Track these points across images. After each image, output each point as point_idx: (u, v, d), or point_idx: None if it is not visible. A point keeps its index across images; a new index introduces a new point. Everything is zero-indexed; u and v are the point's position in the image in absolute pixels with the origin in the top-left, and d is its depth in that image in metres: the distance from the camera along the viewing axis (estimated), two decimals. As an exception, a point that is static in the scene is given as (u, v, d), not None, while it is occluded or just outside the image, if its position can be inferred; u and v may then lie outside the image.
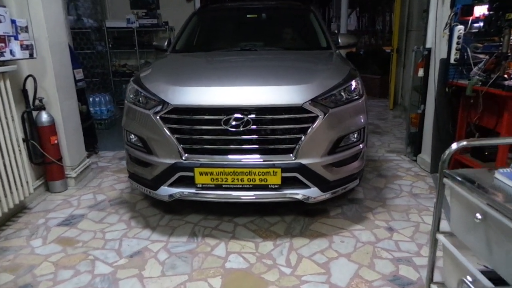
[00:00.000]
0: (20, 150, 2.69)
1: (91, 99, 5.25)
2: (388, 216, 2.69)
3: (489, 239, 1.04)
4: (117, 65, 6.50)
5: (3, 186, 2.49)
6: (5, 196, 2.52)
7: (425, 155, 3.64)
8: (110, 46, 6.30)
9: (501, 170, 1.15)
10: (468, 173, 1.18)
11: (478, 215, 1.06)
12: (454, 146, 1.19)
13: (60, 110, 3.17)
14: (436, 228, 1.30)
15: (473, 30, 3.04)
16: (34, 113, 3.00)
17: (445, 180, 1.22)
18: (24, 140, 2.87)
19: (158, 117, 2.32)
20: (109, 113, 5.39)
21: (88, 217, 2.76)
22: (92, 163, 3.83)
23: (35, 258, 2.24)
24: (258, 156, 2.31)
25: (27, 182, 2.76)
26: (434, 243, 1.34)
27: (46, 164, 3.09)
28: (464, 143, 1.21)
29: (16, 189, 2.64)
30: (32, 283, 2.01)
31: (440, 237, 1.29)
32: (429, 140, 3.53)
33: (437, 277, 1.77)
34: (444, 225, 1.41)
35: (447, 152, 1.19)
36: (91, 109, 5.17)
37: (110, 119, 5.43)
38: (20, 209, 2.84)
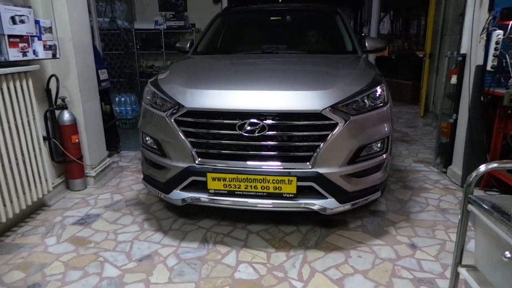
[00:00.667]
0: (40, 148, 2.73)
1: (116, 99, 5.34)
2: (411, 232, 2.52)
3: None
4: (144, 66, 6.60)
5: (22, 183, 2.53)
6: (24, 193, 2.55)
7: (456, 167, 3.42)
8: (138, 47, 6.40)
9: None
10: (497, 200, 1.02)
11: (508, 253, 0.90)
12: (482, 168, 1.05)
13: (82, 109, 3.21)
14: (458, 260, 1.14)
15: (513, 35, 2.82)
16: (57, 112, 3.05)
17: (470, 206, 1.07)
18: (45, 139, 2.92)
19: (172, 120, 2.28)
20: (134, 113, 5.46)
21: (103, 217, 2.77)
22: (113, 163, 3.87)
23: (47, 257, 2.25)
24: (273, 163, 2.22)
25: (46, 180, 2.80)
26: (455, 276, 1.18)
27: (67, 162, 3.14)
28: (495, 165, 1.06)
29: (35, 186, 2.68)
30: (41, 282, 2.01)
31: (462, 271, 1.14)
32: (460, 152, 3.31)
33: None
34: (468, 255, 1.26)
35: (473, 174, 1.04)
36: (116, 108, 5.27)
37: (135, 119, 5.49)
38: (39, 206, 2.89)
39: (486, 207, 0.98)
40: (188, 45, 3.52)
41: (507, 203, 0.99)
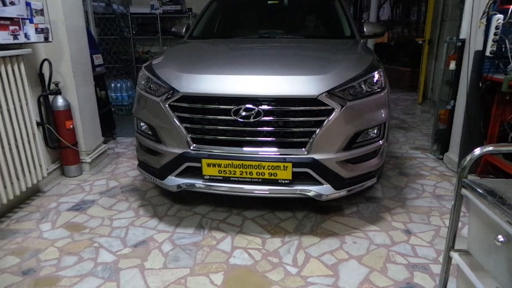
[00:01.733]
0: (34, 134, 2.71)
1: (112, 84, 5.28)
2: (406, 218, 2.53)
3: None
4: (140, 52, 6.51)
5: (15, 169, 2.51)
6: (18, 179, 2.54)
7: (452, 154, 3.41)
8: (134, 32, 6.30)
9: None
10: (491, 183, 1.00)
11: (500, 237, 0.89)
12: (477, 151, 1.03)
13: (76, 94, 3.17)
14: (450, 244, 1.13)
15: (514, 20, 2.78)
16: (50, 97, 3.01)
17: (463, 190, 1.05)
18: (39, 124, 2.89)
19: (167, 105, 2.25)
20: (130, 99, 5.41)
21: (98, 203, 2.76)
22: (108, 149, 3.85)
23: (42, 243, 2.24)
24: (268, 149, 2.20)
25: (40, 166, 2.78)
26: (447, 261, 1.18)
27: (61, 148, 3.11)
28: (491, 148, 1.04)
29: (30, 172, 2.66)
30: (35, 268, 2.01)
31: (455, 255, 1.13)
32: (457, 138, 3.30)
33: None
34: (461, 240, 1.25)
35: (468, 157, 1.02)
36: (112, 94, 5.22)
37: (131, 105, 5.44)
38: (34, 192, 2.88)
39: (480, 191, 0.97)
40: (184, 29, 3.46)
41: (501, 187, 0.98)
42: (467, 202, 1.06)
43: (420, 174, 3.27)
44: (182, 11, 6.16)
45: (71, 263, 2.05)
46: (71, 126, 3.11)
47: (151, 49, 6.58)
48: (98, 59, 3.91)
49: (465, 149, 3.18)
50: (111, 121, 4.27)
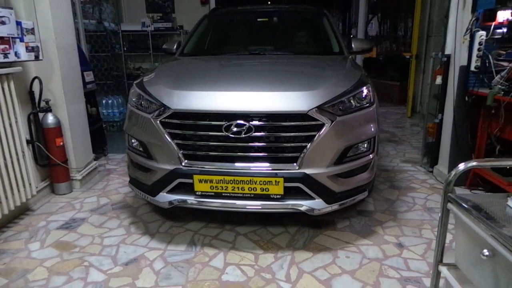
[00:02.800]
0: (23, 152, 2.68)
1: (103, 101, 5.28)
2: (398, 231, 2.54)
3: (498, 279, 0.90)
4: (131, 68, 6.53)
5: (4, 187, 2.48)
6: (6, 198, 2.50)
7: (442, 167, 3.45)
8: (125, 49, 6.34)
9: None
10: (477, 198, 1.02)
11: (486, 251, 0.91)
12: (461, 166, 1.05)
13: (66, 112, 3.16)
14: (439, 258, 1.15)
15: (496, 36, 2.88)
16: (41, 115, 3.00)
17: (449, 205, 1.07)
18: (29, 142, 2.86)
19: (158, 122, 2.26)
20: (121, 115, 5.40)
21: (89, 221, 2.72)
22: (99, 165, 3.82)
23: (30, 262, 2.20)
24: (260, 164, 2.21)
25: (30, 184, 2.74)
26: (436, 275, 1.19)
27: (51, 166, 3.08)
28: (474, 163, 1.06)
29: (19, 190, 2.63)
30: (23, 288, 1.97)
31: (443, 269, 1.14)
32: (446, 151, 3.35)
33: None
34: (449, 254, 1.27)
35: (453, 172, 1.05)
36: (103, 111, 5.21)
37: (122, 121, 5.43)
38: (23, 211, 2.83)
39: (465, 205, 0.99)
40: (175, 46, 3.50)
41: (486, 201, 1.00)
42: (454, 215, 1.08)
43: (411, 187, 3.30)
44: (173, 28, 6.23)
45: (60, 283, 2.01)
46: (61, 144, 3.09)
47: (142, 66, 6.61)
48: (89, 76, 3.92)
49: (454, 162, 3.23)
50: (102, 137, 4.24)
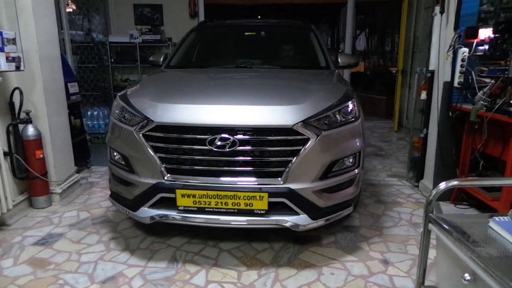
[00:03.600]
0: (0, 164, 2.59)
1: (89, 112, 5.19)
2: (384, 247, 2.51)
3: None
4: (118, 80, 6.47)
5: (-22, 201, 2.38)
6: (-20, 212, 2.40)
7: (427, 181, 3.46)
8: (113, 60, 6.29)
9: (496, 218, 0.97)
10: (457, 219, 1.00)
11: (467, 276, 0.88)
12: (442, 185, 1.03)
13: (48, 124, 3.08)
14: (420, 280, 1.12)
15: (478, 53, 2.92)
16: (21, 126, 2.92)
17: (430, 225, 1.05)
18: (6, 154, 2.78)
19: (141, 135, 2.21)
20: (107, 127, 5.30)
21: (66, 236, 2.63)
22: (82, 178, 3.73)
23: (2, 281, 2.10)
24: (244, 179, 2.17)
25: (6, 198, 2.65)
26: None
27: (30, 179, 2.99)
28: (455, 182, 1.05)
29: (-6, 204, 2.53)
30: (-7, 309, 1.87)
31: None
32: (431, 166, 3.36)
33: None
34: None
35: (433, 192, 1.03)
36: (88, 122, 5.12)
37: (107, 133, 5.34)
38: (-2, 226, 2.73)
39: (446, 226, 0.96)
40: (161, 58, 3.47)
41: (468, 222, 0.97)
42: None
43: (397, 202, 3.29)
44: (161, 41, 6.22)
45: (33, 303, 1.92)
46: (41, 156, 3.00)
47: (129, 77, 6.56)
48: (74, 87, 3.86)
49: (439, 177, 3.24)
50: (85, 150, 4.16)
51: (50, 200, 3.14)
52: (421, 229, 2.69)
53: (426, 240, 1.09)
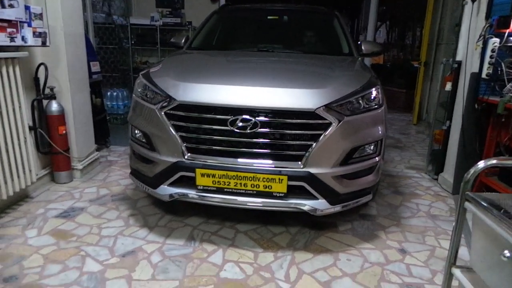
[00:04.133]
0: (25, 138, 2.65)
1: (108, 93, 5.26)
2: (401, 237, 2.49)
3: None
4: (138, 62, 6.51)
5: (4, 172, 2.45)
6: (5, 183, 2.47)
7: (447, 175, 3.40)
8: (133, 42, 6.32)
9: None
10: (495, 197, 0.98)
11: (507, 252, 0.86)
12: (481, 164, 1.01)
13: (71, 100, 3.13)
14: (452, 260, 1.10)
15: (509, 44, 2.82)
16: (45, 102, 2.97)
17: (467, 204, 1.03)
18: (31, 128, 2.84)
19: (163, 113, 2.23)
20: (126, 108, 5.37)
21: (87, 210, 2.69)
22: (101, 157, 3.79)
23: (27, 249, 2.16)
24: (264, 161, 2.17)
25: (30, 171, 2.72)
26: (448, 278, 1.14)
27: (53, 154, 3.05)
28: (494, 161, 1.02)
29: (18, 177, 2.60)
30: (18, 275, 1.93)
31: (457, 272, 1.09)
32: (453, 159, 3.30)
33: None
34: (463, 255, 1.21)
35: (471, 170, 1.00)
36: (108, 103, 5.19)
37: (126, 114, 5.38)
38: (21, 198, 2.80)
39: (485, 204, 0.94)
40: (183, 40, 3.46)
41: (503, 201, 0.95)
42: (466, 220, 1.03)
43: (415, 194, 3.25)
44: (182, 24, 6.21)
45: (56, 272, 1.97)
46: (64, 132, 3.06)
47: (149, 60, 6.59)
48: (95, 67, 3.90)
49: (460, 170, 3.17)
50: (105, 129, 4.22)
51: (72, 176, 3.21)
52: (443, 219, 2.67)
53: (461, 219, 1.07)
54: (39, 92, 2.92)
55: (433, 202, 3.07)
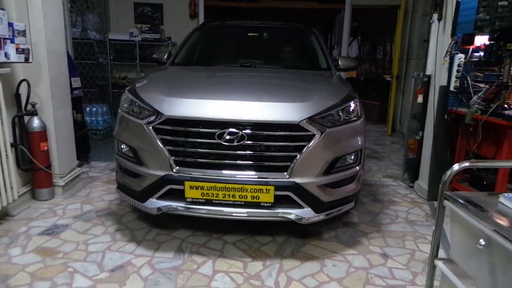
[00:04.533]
0: (7, 155, 2.62)
1: (88, 108, 5.21)
2: (383, 242, 2.60)
3: (494, 267, 0.96)
4: (117, 77, 6.50)
5: (-15, 190, 2.40)
6: (-13, 201, 2.42)
7: (422, 182, 3.58)
8: (112, 58, 6.31)
9: (506, 194, 1.08)
10: (470, 196, 1.10)
11: (482, 241, 0.98)
12: (456, 166, 1.13)
13: (52, 116, 3.11)
14: (434, 253, 1.21)
15: (474, 59, 3.06)
16: (26, 118, 2.94)
17: (446, 202, 1.14)
18: (12, 145, 2.80)
19: (150, 128, 2.27)
20: (105, 123, 5.33)
21: (72, 227, 2.66)
22: (82, 173, 3.75)
23: (12, 268, 2.12)
24: (251, 172, 2.25)
25: (11, 188, 2.67)
26: (432, 270, 1.24)
27: (34, 170, 3.01)
28: (467, 164, 1.15)
29: None
30: (4, 294, 1.90)
31: (439, 263, 1.20)
32: (426, 167, 3.48)
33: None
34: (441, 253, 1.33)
35: (448, 172, 1.12)
36: (87, 118, 5.14)
37: (106, 130, 5.36)
38: (2, 216, 2.73)
39: (462, 201, 1.06)
40: (165, 56, 3.52)
41: (477, 199, 1.08)
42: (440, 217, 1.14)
43: (393, 201, 3.39)
44: (161, 40, 6.27)
45: (44, 289, 1.95)
46: (46, 148, 3.03)
47: (128, 75, 6.58)
48: (76, 82, 3.89)
49: (434, 177, 3.36)
50: (86, 145, 4.18)
51: (53, 193, 3.16)
52: (421, 224, 2.81)
53: (441, 216, 1.18)
54: (20, 108, 2.89)
55: (410, 209, 3.22)
